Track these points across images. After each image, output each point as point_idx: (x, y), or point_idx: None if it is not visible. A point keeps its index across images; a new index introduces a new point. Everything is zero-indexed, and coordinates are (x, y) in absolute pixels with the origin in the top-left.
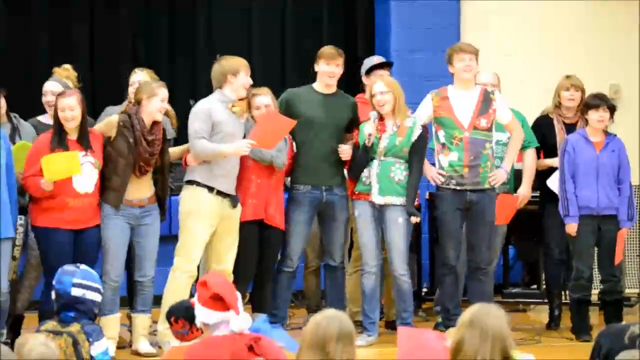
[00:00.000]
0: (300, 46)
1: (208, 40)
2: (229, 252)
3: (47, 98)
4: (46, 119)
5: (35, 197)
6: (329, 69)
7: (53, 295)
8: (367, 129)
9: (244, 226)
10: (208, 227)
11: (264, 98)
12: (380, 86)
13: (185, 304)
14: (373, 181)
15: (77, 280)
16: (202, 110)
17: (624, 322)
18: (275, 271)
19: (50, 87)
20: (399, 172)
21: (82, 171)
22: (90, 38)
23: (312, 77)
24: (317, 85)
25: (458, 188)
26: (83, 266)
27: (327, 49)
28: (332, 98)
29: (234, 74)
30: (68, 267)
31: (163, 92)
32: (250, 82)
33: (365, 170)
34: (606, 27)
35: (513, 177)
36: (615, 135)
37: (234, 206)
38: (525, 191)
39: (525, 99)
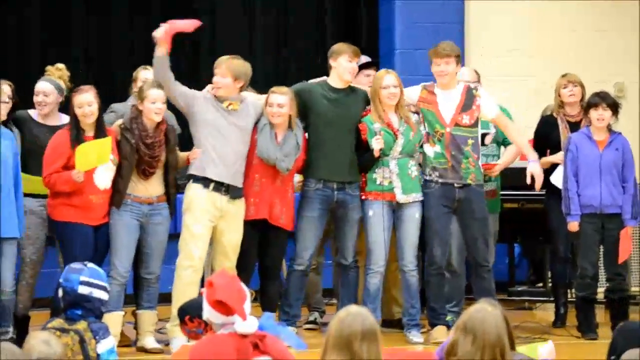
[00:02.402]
0: (302, 44)
1: (211, 39)
2: (233, 248)
3: (39, 98)
4: (36, 115)
5: (62, 191)
6: (351, 65)
7: (60, 292)
8: (376, 144)
9: (245, 225)
10: (205, 222)
11: (279, 97)
12: (393, 79)
13: (201, 301)
14: (395, 181)
15: (85, 278)
16: None
17: None
18: (288, 269)
19: (42, 87)
20: (414, 168)
21: (109, 159)
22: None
23: (313, 74)
24: (332, 81)
25: (441, 181)
26: (90, 264)
27: (349, 46)
28: (346, 93)
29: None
30: (75, 265)
31: (153, 94)
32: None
33: (378, 171)
34: (610, 25)
35: (499, 175)
36: (620, 133)
37: (233, 197)
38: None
39: (529, 97)
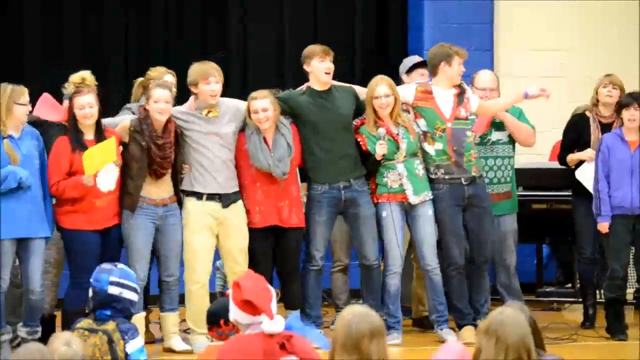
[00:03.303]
0: (332, 43)
1: (240, 38)
2: (240, 252)
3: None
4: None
5: (70, 198)
6: (324, 65)
7: (90, 292)
8: (380, 149)
9: (254, 233)
10: (202, 235)
11: (261, 102)
12: (384, 89)
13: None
14: (405, 184)
15: (114, 278)
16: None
17: None
18: (302, 271)
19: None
20: (420, 167)
21: (114, 157)
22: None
23: (341, 73)
24: (314, 85)
25: (447, 177)
26: (121, 265)
27: (317, 47)
28: (331, 94)
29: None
30: (106, 265)
31: (156, 93)
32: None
33: (387, 175)
34: None
35: (514, 176)
36: None
37: (226, 205)
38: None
39: (560, 96)
